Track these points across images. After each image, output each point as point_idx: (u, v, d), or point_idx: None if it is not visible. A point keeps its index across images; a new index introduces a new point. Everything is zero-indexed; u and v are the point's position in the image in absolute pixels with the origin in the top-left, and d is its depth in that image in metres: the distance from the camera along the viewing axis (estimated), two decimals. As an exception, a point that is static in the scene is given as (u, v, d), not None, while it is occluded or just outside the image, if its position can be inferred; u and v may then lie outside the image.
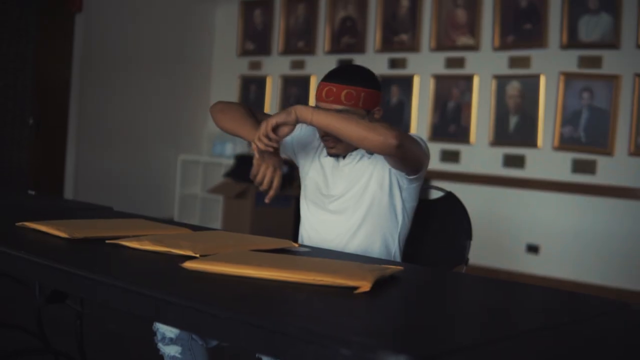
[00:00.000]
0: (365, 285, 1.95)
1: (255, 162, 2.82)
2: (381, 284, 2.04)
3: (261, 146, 2.74)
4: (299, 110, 2.71)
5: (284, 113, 2.72)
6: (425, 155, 2.88)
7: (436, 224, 3.21)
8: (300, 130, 3.14)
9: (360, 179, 2.97)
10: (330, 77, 2.94)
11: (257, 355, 2.49)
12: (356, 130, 2.66)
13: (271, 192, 2.81)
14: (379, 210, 2.96)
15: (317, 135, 3.07)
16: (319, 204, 3.05)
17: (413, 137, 2.81)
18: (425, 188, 3.29)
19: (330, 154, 2.99)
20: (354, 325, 1.71)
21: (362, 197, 2.96)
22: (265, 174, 2.80)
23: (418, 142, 2.83)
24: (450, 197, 3.21)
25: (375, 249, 2.97)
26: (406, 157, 2.78)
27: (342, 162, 3.02)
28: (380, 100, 2.97)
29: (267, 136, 2.72)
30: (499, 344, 1.60)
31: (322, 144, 3.06)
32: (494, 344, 1.61)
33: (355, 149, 2.98)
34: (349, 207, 2.97)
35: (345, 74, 2.94)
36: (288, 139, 3.08)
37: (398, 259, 3.02)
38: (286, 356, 1.60)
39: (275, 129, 2.73)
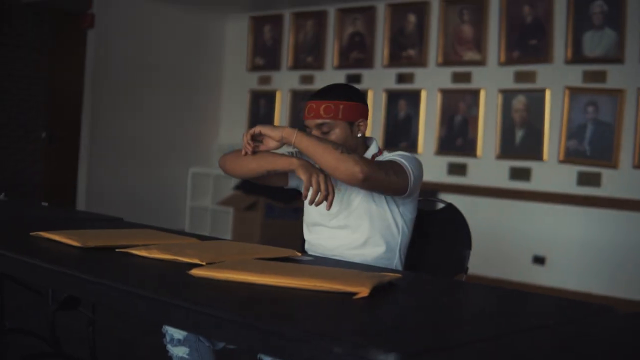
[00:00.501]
0: (363, 291, 2.04)
1: (304, 178, 2.90)
2: (380, 290, 2.13)
3: (244, 141, 3.00)
4: (286, 131, 2.90)
5: (272, 127, 2.94)
6: (409, 180, 2.95)
7: (437, 235, 3.30)
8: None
9: (357, 196, 3.07)
10: (312, 96, 3.10)
11: (258, 356, 2.58)
12: (328, 159, 2.83)
13: (330, 197, 2.90)
14: (380, 224, 3.05)
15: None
16: (320, 223, 3.16)
17: (389, 167, 2.90)
18: (426, 200, 3.39)
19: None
20: (349, 326, 1.82)
21: (361, 213, 3.06)
22: (319, 183, 2.90)
23: (397, 170, 2.92)
24: (450, 208, 3.30)
25: (378, 260, 3.06)
26: (376, 188, 2.94)
27: (339, 181, 3.11)
28: (364, 112, 3.09)
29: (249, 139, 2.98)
30: (484, 343, 1.70)
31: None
32: (479, 343, 1.71)
33: None
34: (349, 224, 3.07)
35: (325, 91, 3.09)
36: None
37: (400, 268, 3.12)
38: (284, 355, 1.70)
39: (260, 137, 2.98)
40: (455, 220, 3.26)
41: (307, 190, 2.90)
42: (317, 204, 2.89)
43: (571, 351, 1.74)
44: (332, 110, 3.01)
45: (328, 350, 1.58)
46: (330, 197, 2.89)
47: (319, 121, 3.02)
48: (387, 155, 3.09)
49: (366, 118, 3.10)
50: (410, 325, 1.88)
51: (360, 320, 1.91)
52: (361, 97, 3.13)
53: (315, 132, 3.04)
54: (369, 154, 3.11)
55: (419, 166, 3.02)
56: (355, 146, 3.08)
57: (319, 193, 2.87)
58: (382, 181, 2.87)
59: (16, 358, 3.78)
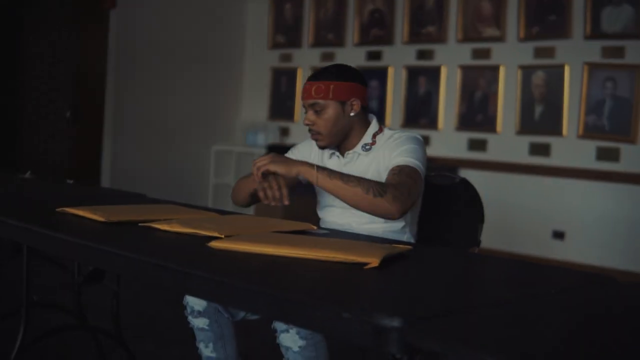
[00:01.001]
0: (374, 261, 2.13)
1: (257, 186, 3.00)
2: (390, 261, 2.22)
3: (254, 174, 2.96)
4: (303, 168, 2.89)
5: (285, 165, 2.90)
6: (422, 182, 3.04)
7: (450, 209, 3.38)
8: (299, 151, 3.35)
9: (368, 171, 3.13)
10: (307, 79, 3.18)
11: (272, 326, 2.69)
12: (363, 205, 2.86)
13: (284, 191, 2.95)
14: None
15: (313, 145, 3.27)
16: (330, 204, 3.23)
17: (411, 184, 2.92)
18: (439, 175, 3.47)
19: (319, 147, 3.18)
20: (358, 294, 1.92)
21: None
22: (271, 185, 2.96)
23: (415, 180, 2.95)
24: (463, 182, 3.38)
25: (389, 234, 3.13)
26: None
27: (343, 160, 3.20)
28: (357, 92, 3.14)
29: (260, 173, 2.94)
30: (488, 309, 1.79)
31: (321, 151, 3.25)
32: (483, 308, 1.79)
33: (350, 148, 3.19)
34: None
35: (318, 73, 3.17)
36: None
37: (412, 240, 3.20)
38: (296, 321, 1.80)
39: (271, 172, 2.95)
40: (468, 195, 3.34)
41: (264, 195, 2.95)
42: (274, 202, 2.92)
43: (570, 317, 1.82)
44: (322, 91, 3.08)
45: (337, 316, 1.67)
46: (284, 191, 2.93)
47: (311, 101, 3.10)
48: (388, 136, 3.14)
49: (360, 97, 3.14)
50: (417, 293, 1.97)
51: (369, 288, 2.01)
52: (355, 76, 3.17)
53: (309, 111, 3.12)
54: (369, 132, 3.17)
55: (424, 153, 3.08)
56: (348, 125, 3.14)
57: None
58: (411, 205, 2.91)
59: (43, 331, 3.90)
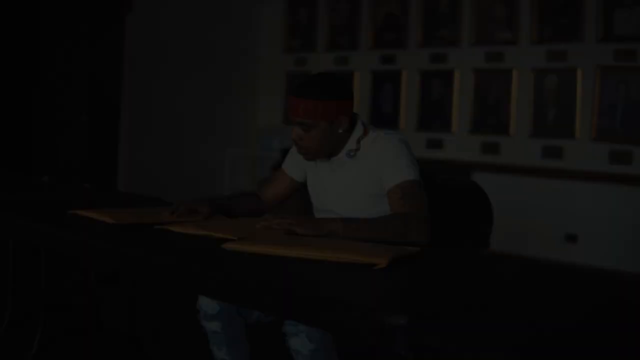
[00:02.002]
0: (382, 262, 2.19)
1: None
2: (398, 262, 2.27)
3: (276, 224, 2.79)
4: (334, 228, 2.77)
5: (312, 230, 2.76)
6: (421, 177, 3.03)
7: (459, 211, 3.41)
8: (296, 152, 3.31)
9: (356, 178, 3.10)
10: (293, 91, 3.07)
11: (283, 330, 2.73)
12: (391, 239, 2.77)
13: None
14: (386, 208, 3.04)
15: None
16: (323, 209, 3.23)
17: (423, 201, 2.93)
18: (449, 178, 3.50)
19: (306, 159, 3.15)
20: (366, 293, 1.96)
21: (365, 204, 3.09)
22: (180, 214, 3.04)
23: (423, 199, 2.95)
24: (473, 185, 3.42)
25: None
26: None
27: (331, 165, 3.16)
28: (344, 107, 3.04)
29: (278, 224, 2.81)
30: (489, 309, 1.83)
31: None
32: (486, 308, 1.84)
33: (335, 154, 3.14)
34: (355, 210, 3.08)
35: (304, 88, 3.03)
36: (292, 164, 3.41)
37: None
38: (307, 319, 1.85)
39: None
40: (477, 197, 3.36)
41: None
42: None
43: (574, 315, 1.86)
44: (310, 111, 2.98)
45: (345, 314, 1.72)
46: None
47: (299, 120, 3.01)
48: (372, 139, 3.08)
49: (347, 112, 3.05)
50: (424, 293, 2.02)
51: (377, 288, 2.05)
52: (341, 91, 3.06)
53: (297, 127, 3.04)
54: (353, 138, 3.09)
55: (412, 154, 3.05)
56: (337, 141, 3.07)
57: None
58: (429, 220, 2.90)
59: (59, 333, 3.95)
